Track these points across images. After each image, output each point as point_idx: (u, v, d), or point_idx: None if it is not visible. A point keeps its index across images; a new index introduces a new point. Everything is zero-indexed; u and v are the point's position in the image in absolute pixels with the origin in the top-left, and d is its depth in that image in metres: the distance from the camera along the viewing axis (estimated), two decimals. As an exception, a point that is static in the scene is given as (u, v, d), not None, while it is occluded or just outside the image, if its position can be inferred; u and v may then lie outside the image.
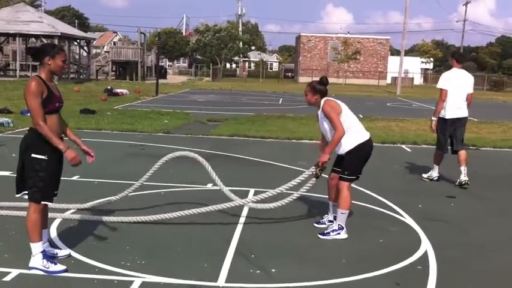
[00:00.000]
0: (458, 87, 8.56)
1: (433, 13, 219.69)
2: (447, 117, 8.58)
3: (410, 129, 15.89)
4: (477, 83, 62.20)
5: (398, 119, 18.50)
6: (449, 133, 8.67)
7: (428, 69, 74.76)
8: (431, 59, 70.79)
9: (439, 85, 8.61)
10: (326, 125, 5.72)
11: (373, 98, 33.48)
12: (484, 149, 12.76)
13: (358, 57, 60.07)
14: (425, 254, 5.27)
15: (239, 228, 5.87)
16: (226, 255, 5.00)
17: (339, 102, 5.77)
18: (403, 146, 12.59)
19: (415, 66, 69.13)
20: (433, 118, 8.76)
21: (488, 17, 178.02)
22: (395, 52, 68.43)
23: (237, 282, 4.42)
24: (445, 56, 74.80)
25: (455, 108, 8.56)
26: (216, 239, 5.51)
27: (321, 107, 5.69)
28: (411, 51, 78.61)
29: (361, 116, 18.14)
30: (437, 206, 7.26)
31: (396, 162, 10.48)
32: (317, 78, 5.99)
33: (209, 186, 7.66)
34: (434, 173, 8.86)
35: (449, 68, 9.06)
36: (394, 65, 52.75)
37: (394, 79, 52.96)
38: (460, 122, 8.68)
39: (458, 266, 5.08)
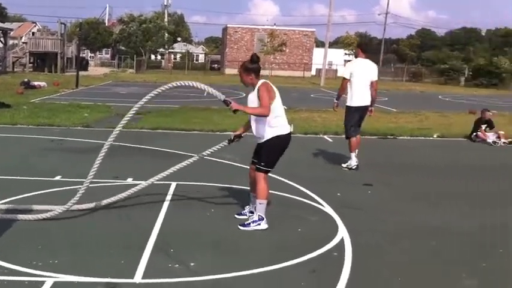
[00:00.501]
0: (362, 76, 8.97)
1: (356, 6, 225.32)
2: (352, 105, 8.99)
3: (333, 119, 16.19)
4: (397, 74, 64.51)
5: (321, 110, 18.85)
6: (355, 119, 9.06)
7: (351, 60, 76.66)
8: (353, 51, 72.59)
9: (342, 73, 9.20)
10: (254, 99, 5.68)
11: (297, 89, 33.97)
12: (401, 138, 13.24)
13: (284, 49, 60.69)
14: (342, 241, 5.42)
15: (158, 222, 5.79)
16: (145, 250, 4.92)
17: (275, 88, 5.79)
18: (325, 136, 12.86)
19: (339, 58, 70.63)
20: (335, 100, 9.36)
21: (409, 10, 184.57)
22: (320, 44, 69.59)
23: (154, 278, 4.36)
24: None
25: (359, 96, 8.96)
26: (134, 233, 5.42)
27: (257, 88, 5.67)
28: (336, 44, 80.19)
29: (285, 108, 18.34)
30: (355, 194, 7.47)
31: (318, 152, 10.68)
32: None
33: (129, 180, 7.53)
34: (352, 162, 9.11)
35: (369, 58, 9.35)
36: (319, 57, 53.66)
37: (319, 71, 53.92)
38: (364, 110, 9.10)
39: (372, 251, 5.25)
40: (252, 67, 5.70)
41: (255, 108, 5.63)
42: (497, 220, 6.52)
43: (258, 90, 5.64)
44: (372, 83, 9.05)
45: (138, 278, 4.36)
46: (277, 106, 5.72)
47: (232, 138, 6.05)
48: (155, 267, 4.58)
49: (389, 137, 13.16)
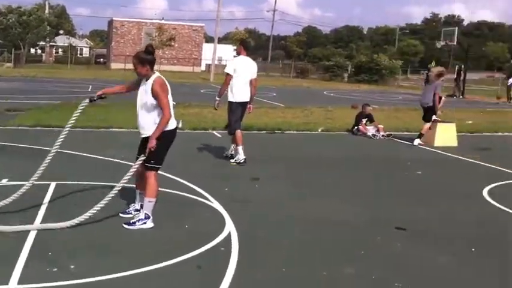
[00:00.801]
0: (244, 73, 9.15)
1: (245, 2, 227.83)
2: (235, 101, 9.13)
3: (222, 115, 16.21)
4: (285, 70, 65.94)
5: (211, 105, 18.80)
6: (238, 114, 9.22)
7: (235, 57, 77.30)
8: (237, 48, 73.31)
9: (226, 70, 9.22)
10: (147, 100, 5.53)
11: (187, 85, 33.75)
12: (288, 132, 13.57)
13: (173, 43, 60.02)
14: (229, 236, 5.44)
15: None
16: (20, 256, 4.62)
17: (167, 83, 5.67)
18: (215, 132, 12.87)
19: (228, 54, 71.06)
20: (216, 98, 9.35)
21: (296, 7, 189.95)
22: (210, 39, 69.62)
23: (31, 283, 4.11)
24: (256, 44, 77.95)
25: (240, 92, 9.13)
26: (9, 239, 5.08)
27: (151, 83, 5.50)
28: (225, 39, 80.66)
29: (174, 103, 18.13)
30: (242, 189, 7.54)
31: (207, 148, 10.67)
32: (131, 65, 5.81)
33: (4, 181, 7.06)
34: (240, 156, 9.19)
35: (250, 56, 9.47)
36: (208, 52, 53.66)
37: (208, 66, 53.88)
38: (244, 105, 9.30)
39: (259, 244, 5.33)
40: (147, 58, 5.55)
41: (160, 124, 5.51)
42: (377, 210, 6.87)
43: (153, 87, 5.49)
44: (251, 80, 9.26)
45: (13, 283, 4.09)
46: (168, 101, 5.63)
47: (94, 98, 5.87)
48: (32, 272, 4.32)
49: (277, 131, 13.44)
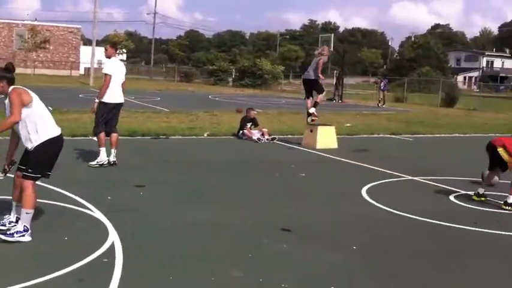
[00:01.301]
0: (119, 75, 9.20)
1: (124, 4, 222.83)
2: (107, 101, 9.05)
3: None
4: (169, 74, 65.26)
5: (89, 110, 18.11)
6: (109, 116, 9.15)
7: (122, 60, 75.58)
8: (124, 50, 71.62)
9: (106, 71, 9.11)
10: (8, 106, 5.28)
11: (64, 89, 32.32)
12: (173, 137, 13.38)
13: (48, 46, 57.19)
14: (112, 246, 5.21)
15: None
16: None
17: (30, 92, 5.35)
18: (95, 138, 12.30)
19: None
20: (96, 100, 9.16)
21: (176, 11, 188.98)
22: (88, 42, 67.27)
23: None
24: (137, 47, 76.28)
25: (115, 94, 9.11)
26: None
27: (9, 96, 5.23)
28: (104, 42, 78.26)
29: (51, 109, 17.21)
30: (126, 197, 7.29)
31: (87, 155, 10.20)
32: (2, 66, 5.46)
33: None
34: (103, 157, 9.13)
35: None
36: (87, 55, 51.76)
37: (87, 69, 51.99)
38: (119, 107, 9.33)
39: (144, 252, 5.16)
40: (5, 75, 5.29)
41: (4, 124, 5.25)
42: (263, 212, 6.94)
43: (10, 99, 5.25)
44: (122, 82, 9.33)
45: None
46: (38, 110, 5.35)
47: (6, 168, 5.50)
48: None
49: (161, 136, 13.20)
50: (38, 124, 5.32)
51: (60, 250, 5.11)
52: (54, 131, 5.47)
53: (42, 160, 5.38)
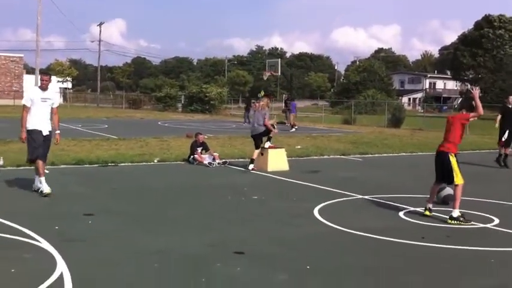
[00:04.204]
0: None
1: (65, 32, 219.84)
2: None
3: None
4: (117, 101, 64.50)
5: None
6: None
7: (67, 88, 74.07)
8: (69, 78, 70.26)
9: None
10: None
11: (8, 119, 31.42)
12: (122, 164, 13.15)
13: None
14: (61, 277, 5.04)
15: None
16: None
17: None
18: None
19: (53, 86, 67.63)
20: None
21: (120, 38, 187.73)
22: (31, 71, 65.75)
23: None
24: (83, 75, 74.74)
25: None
26: None
27: None
28: (49, 70, 76.78)
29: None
30: (74, 226, 7.09)
31: (32, 185, 9.90)
32: None
33: None
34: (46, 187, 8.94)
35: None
36: (31, 84, 50.48)
37: (33, 99, 50.69)
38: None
39: (93, 284, 5.03)
40: None
41: None
42: (215, 236, 6.88)
43: None
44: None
45: None
46: None
47: None
48: None
49: (110, 164, 12.96)
50: None
51: (7, 283, 4.90)
52: None
53: None
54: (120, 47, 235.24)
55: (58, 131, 9.35)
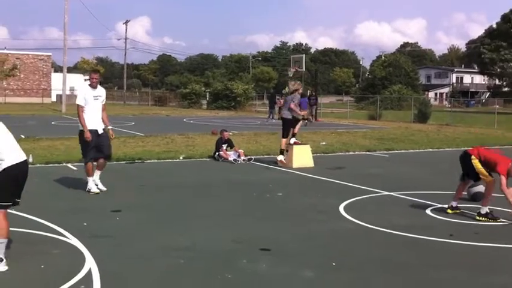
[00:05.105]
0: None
1: (92, 30, 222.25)
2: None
3: (77, 147, 15.52)
4: (143, 99, 65.09)
5: (64, 137, 17.99)
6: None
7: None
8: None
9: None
10: None
11: (36, 117, 31.97)
12: (149, 161, 13.29)
13: (18, 73, 56.62)
14: (90, 272, 5.13)
15: None
16: None
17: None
18: (69, 164, 12.22)
19: (80, 83, 68.62)
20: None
21: (145, 36, 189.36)
22: (59, 69, 66.77)
23: None
24: (109, 73, 75.47)
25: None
26: None
27: None
28: (76, 69, 77.87)
29: (23, 137, 17.06)
30: (102, 222, 7.20)
31: (61, 182, 10.09)
32: None
33: None
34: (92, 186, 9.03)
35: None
36: (58, 82, 51.30)
37: (59, 97, 51.51)
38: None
39: (121, 279, 5.10)
40: None
41: None
42: (242, 232, 6.91)
43: None
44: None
45: None
46: (1, 135, 5.29)
47: None
48: None
49: (137, 161, 13.10)
50: (2, 152, 5.24)
51: (37, 278, 5.01)
52: (17, 157, 5.37)
53: (6, 188, 5.26)
54: (145, 45, 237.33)
55: (110, 126, 9.37)
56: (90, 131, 8.86)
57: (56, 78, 58.49)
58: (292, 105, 12.73)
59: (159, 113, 40.40)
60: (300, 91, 13.45)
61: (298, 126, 13.35)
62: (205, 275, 5.26)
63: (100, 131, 9.03)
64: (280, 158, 12.88)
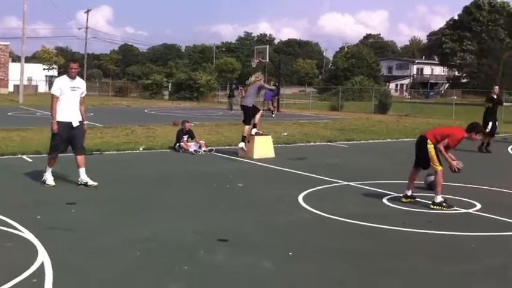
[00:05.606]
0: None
1: (53, 19, 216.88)
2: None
3: (33, 138, 15.22)
4: (103, 89, 64.23)
5: (21, 128, 17.56)
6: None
7: (53, 76, 73.60)
8: (55, 66, 69.65)
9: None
10: None
11: (-6, 108, 31.11)
12: (108, 153, 13.10)
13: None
14: (42, 266, 5.02)
15: None
16: None
17: None
18: (24, 156, 11.95)
19: (39, 73, 67.05)
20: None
21: (107, 25, 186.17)
22: (17, 59, 65.08)
23: None
24: (68, 62, 73.71)
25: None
26: None
27: None
28: (34, 58, 75.97)
29: (-23, 128, 16.58)
30: (57, 215, 7.06)
31: (16, 173, 9.86)
32: None
33: None
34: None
35: None
36: (16, 72, 50.00)
37: (17, 87, 50.19)
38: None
39: (75, 271, 5.01)
40: None
41: None
42: (200, 223, 6.88)
43: None
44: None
45: None
46: None
47: None
48: None
49: (95, 152, 12.89)
50: None
51: (-14, 273, 4.88)
52: None
53: None
54: (107, 34, 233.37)
55: (86, 122, 9.09)
56: (64, 123, 8.59)
57: (14, 68, 56.96)
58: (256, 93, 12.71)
59: (120, 104, 39.88)
60: (261, 81, 13.45)
61: (258, 117, 13.35)
62: (162, 267, 5.22)
63: (75, 124, 8.70)
64: (242, 145, 12.90)
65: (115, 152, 13.25)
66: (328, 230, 6.79)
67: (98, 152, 12.93)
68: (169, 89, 52.98)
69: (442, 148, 7.87)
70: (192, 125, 14.60)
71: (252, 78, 13.48)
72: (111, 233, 6.32)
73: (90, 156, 12.38)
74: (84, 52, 74.37)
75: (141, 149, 13.81)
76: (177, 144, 13.71)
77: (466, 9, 69.70)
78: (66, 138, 8.73)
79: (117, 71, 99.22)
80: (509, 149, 16.05)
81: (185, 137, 13.83)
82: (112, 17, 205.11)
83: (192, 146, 13.57)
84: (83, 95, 8.89)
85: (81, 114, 8.85)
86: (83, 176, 8.86)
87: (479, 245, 6.29)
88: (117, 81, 72.46)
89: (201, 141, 13.88)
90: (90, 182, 8.83)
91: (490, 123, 15.41)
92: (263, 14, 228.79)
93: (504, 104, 17.71)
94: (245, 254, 5.69)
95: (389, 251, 5.95)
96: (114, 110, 32.59)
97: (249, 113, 13.02)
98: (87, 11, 73.38)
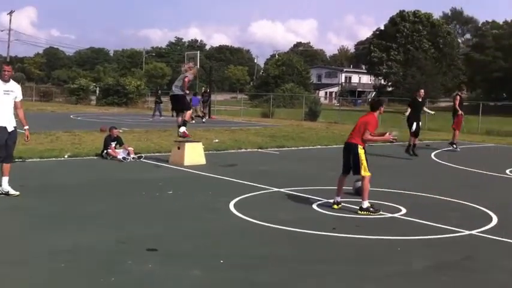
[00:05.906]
0: None
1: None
2: None
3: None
4: (27, 94, 62.00)
5: None
6: None
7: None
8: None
9: None
10: None
11: None
12: (30, 160, 12.56)
13: None
14: (-44, 282, 4.72)
15: None
16: None
17: None
18: None
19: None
20: None
21: (31, 27, 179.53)
22: None
23: None
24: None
25: None
26: None
27: None
28: (-48, 61, 72.24)
29: None
30: (-25, 226, 6.68)
31: None
32: None
33: None
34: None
35: None
36: None
37: None
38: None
39: (-6, 287, 4.74)
40: None
41: None
42: (128, 233, 6.70)
43: None
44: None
45: None
46: None
47: None
48: None
49: (17, 160, 12.29)
50: None
51: None
52: None
53: None
54: (30, 37, 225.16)
55: (27, 127, 8.68)
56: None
57: None
58: (185, 82, 12.62)
59: (44, 109, 38.47)
60: (191, 72, 13.23)
61: (189, 114, 13.27)
62: (87, 279, 5.03)
63: (10, 129, 8.34)
64: (183, 129, 12.77)
65: (38, 160, 12.73)
66: (260, 236, 6.78)
67: (20, 160, 12.37)
68: (97, 94, 51.72)
69: (370, 137, 8.23)
70: (121, 131, 14.26)
71: (185, 67, 13.41)
72: (33, 244, 6.03)
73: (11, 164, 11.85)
74: (7, 55, 71.45)
75: (66, 156, 13.34)
76: (105, 151, 13.34)
77: (392, 20, 72.33)
78: (4, 143, 8.32)
79: (42, 75, 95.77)
80: (432, 155, 16.69)
81: (113, 144, 13.49)
82: (36, 19, 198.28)
83: (120, 153, 13.25)
84: (18, 99, 8.53)
85: (21, 120, 8.55)
86: (5, 186, 8.46)
87: (404, 248, 6.46)
88: (41, 85, 69.90)
89: (129, 148, 13.58)
90: (12, 192, 8.44)
91: (414, 124, 15.99)
92: (193, 19, 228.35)
93: (427, 111, 18.35)
94: (175, 263, 5.58)
95: (318, 256, 6.01)
96: (38, 116, 31.32)
97: (181, 101, 12.93)
98: (11, 13, 70.69)
